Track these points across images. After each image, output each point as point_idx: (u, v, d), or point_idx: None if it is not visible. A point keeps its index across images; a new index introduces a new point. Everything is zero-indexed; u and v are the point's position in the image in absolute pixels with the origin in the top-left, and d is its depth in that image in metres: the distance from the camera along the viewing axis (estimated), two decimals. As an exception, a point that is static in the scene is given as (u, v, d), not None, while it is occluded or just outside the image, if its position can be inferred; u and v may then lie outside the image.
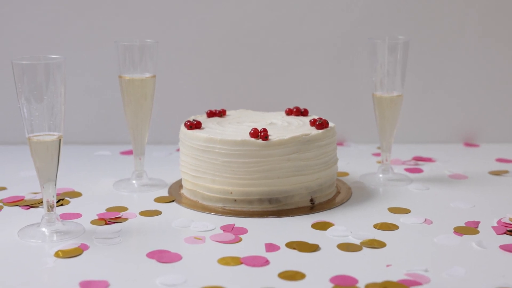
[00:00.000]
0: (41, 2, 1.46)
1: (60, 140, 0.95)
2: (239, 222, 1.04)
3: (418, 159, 1.39)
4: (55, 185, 0.97)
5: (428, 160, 1.39)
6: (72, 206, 1.11)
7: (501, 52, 1.50)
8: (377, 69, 1.20)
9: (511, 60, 1.51)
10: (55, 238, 0.96)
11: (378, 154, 1.44)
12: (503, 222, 1.01)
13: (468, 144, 1.52)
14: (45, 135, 0.94)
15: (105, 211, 1.08)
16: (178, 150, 1.35)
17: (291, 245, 0.95)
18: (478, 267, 0.87)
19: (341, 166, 1.31)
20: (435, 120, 1.53)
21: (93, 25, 1.47)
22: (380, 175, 1.24)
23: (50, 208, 0.97)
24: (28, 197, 1.14)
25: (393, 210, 1.08)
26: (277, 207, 1.09)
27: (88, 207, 1.09)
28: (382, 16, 1.49)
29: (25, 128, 0.94)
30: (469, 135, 1.54)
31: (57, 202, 1.11)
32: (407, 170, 1.32)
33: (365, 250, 0.93)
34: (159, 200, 1.14)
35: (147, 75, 1.18)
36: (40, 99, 0.92)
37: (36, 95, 0.92)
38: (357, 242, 0.95)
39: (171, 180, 1.24)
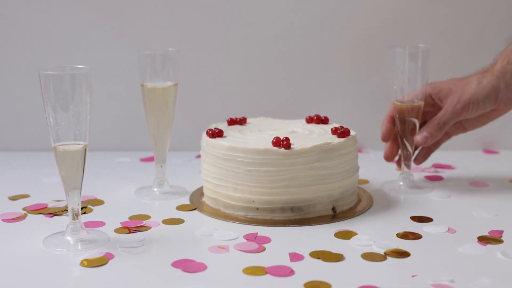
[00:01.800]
0: (65, 12, 1.47)
1: (85, 149, 0.96)
2: (261, 230, 1.04)
3: (437, 166, 1.39)
4: (80, 193, 0.97)
5: (448, 167, 1.38)
6: (95, 214, 1.12)
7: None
8: (398, 77, 1.20)
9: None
10: (80, 247, 0.97)
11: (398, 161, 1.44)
12: (527, 232, 1.01)
13: (487, 151, 1.52)
14: (71, 144, 0.95)
15: (128, 219, 1.08)
16: (198, 156, 1.36)
17: (315, 254, 0.95)
18: (504, 277, 0.87)
19: (361, 174, 1.31)
20: (454, 127, 1.53)
21: (116, 34, 1.48)
22: (401, 183, 1.24)
23: (75, 216, 0.98)
24: (51, 204, 1.15)
25: (416, 219, 1.08)
26: (299, 215, 1.09)
27: (111, 215, 1.10)
28: (403, 23, 1.49)
29: (51, 137, 0.95)
30: (488, 141, 1.53)
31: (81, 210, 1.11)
32: (427, 177, 1.32)
33: (390, 259, 0.93)
34: (181, 208, 1.15)
35: (169, 83, 1.18)
36: (66, 108, 0.93)
37: (62, 105, 0.93)
38: (381, 251, 0.95)
39: (192, 187, 1.25)
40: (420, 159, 1.25)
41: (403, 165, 1.24)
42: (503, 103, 1.17)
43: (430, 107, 1.22)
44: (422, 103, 1.20)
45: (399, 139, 1.23)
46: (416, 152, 1.25)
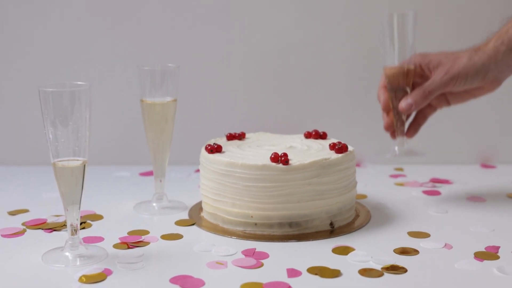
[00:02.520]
0: (66, 28, 1.48)
1: (84, 165, 0.97)
2: (260, 246, 1.05)
3: (435, 180, 1.40)
4: (79, 208, 0.98)
5: (446, 182, 1.39)
6: (94, 229, 1.12)
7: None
8: (386, 42, 1.22)
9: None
10: (78, 263, 0.97)
11: (395, 176, 1.45)
12: (524, 248, 1.01)
13: (485, 166, 1.53)
14: (70, 160, 0.96)
15: (126, 235, 1.09)
16: (197, 171, 1.37)
17: (313, 270, 0.95)
18: (500, 294, 0.88)
19: (359, 188, 1.32)
20: (451, 141, 1.54)
21: (116, 50, 1.49)
22: (396, 148, 1.25)
23: (74, 231, 0.98)
24: (50, 220, 1.15)
25: (413, 234, 1.09)
26: (297, 231, 1.09)
27: (110, 230, 1.11)
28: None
29: (50, 153, 0.95)
30: (485, 156, 1.54)
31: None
32: (425, 192, 1.32)
33: (387, 275, 0.94)
34: (179, 223, 1.15)
35: (168, 99, 1.19)
36: (65, 124, 0.93)
37: (61, 121, 0.93)
38: (378, 267, 0.96)
39: (191, 202, 1.25)
40: (411, 133, 1.27)
41: (397, 133, 1.25)
42: (489, 82, 1.19)
43: (419, 77, 1.23)
44: (412, 67, 1.21)
45: (391, 105, 1.24)
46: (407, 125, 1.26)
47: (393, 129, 1.27)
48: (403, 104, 1.20)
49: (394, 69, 1.21)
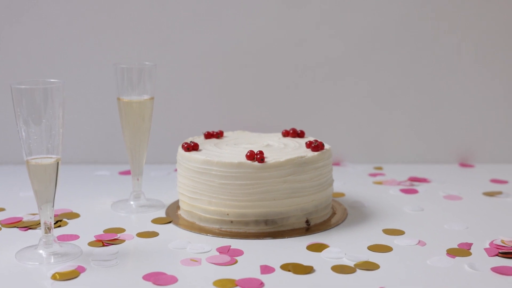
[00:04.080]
0: (40, 25, 1.48)
1: (58, 162, 0.97)
2: (235, 243, 1.05)
3: (413, 179, 1.40)
4: (53, 206, 0.98)
5: (424, 180, 1.40)
6: (70, 227, 1.12)
7: (496, 74, 1.52)
8: None
9: (506, 81, 1.52)
10: (52, 261, 0.97)
11: (374, 175, 1.45)
12: (495, 244, 1.02)
13: (464, 165, 1.54)
14: (43, 158, 0.96)
15: (102, 233, 1.09)
16: (176, 170, 1.37)
17: (286, 267, 0.96)
18: (470, 289, 0.89)
19: (337, 187, 1.32)
20: (430, 141, 1.55)
21: (92, 48, 1.49)
22: None
23: (48, 230, 0.98)
24: (26, 218, 1.15)
25: (388, 232, 1.09)
26: (273, 228, 1.10)
27: (86, 229, 1.11)
28: (380, 39, 1.50)
29: (23, 151, 0.95)
30: (464, 155, 1.55)
31: (55, 223, 1.12)
32: (402, 190, 1.33)
33: (359, 272, 0.94)
34: (156, 221, 1.15)
35: (145, 97, 1.19)
36: (38, 122, 0.93)
37: (34, 119, 0.93)
38: (351, 264, 0.96)
39: (169, 200, 1.25)
40: None
41: None
42: None
43: None
44: None
45: None
46: None
47: None
48: None
49: None
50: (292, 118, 1.51)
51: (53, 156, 0.96)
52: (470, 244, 1.03)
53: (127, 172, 1.46)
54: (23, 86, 0.93)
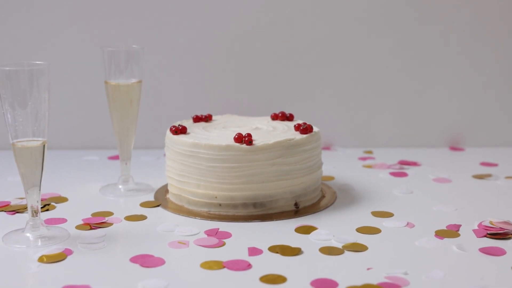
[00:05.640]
0: (27, 8, 1.47)
1: (44, 145, 0.96)
2: (223, 226, 1.05)
3: (403, 163, 1.40)
4: (40, 190, 0.97)
5: (413, 164, 1.40)
6: (58, 211, 1.12)
7: (486, 57, 1.52)
8: None
9: (496, 64, 1.52)
10: (39, 243, 0.97)
11: (364, 158, 1.45)
12: (484, 225, 1.02)
13: (454, 148, 1.54)
14: (29, 140, 0.95)
15: (90, 216, 1.09)
16: (165, 155, 1.36)
17: (274, 249, 0.95)
18: (457, 270, 0.89)
19: (327, 170, 1.32)
20: (421, 124, 1.55)
21: (79, 31, 1.48)
22: None
23: (35, 213, 0.98)
24: (14, 202, 1.14)
25: (377, 214, 1.09)
26: (261, 211, 1.09)
27: (74, 212, 1.10)
28: (370, 20, 1.50)
29: (9, 134, 0.95)
30: (454, 139, 1.55)
31: (42, 207, 1.11)
32: (392, 174, 1.33)
33: (347, 253, 0.94)
34: (144, 205, 1.15)
35: (133, 80, 1.19)
36: (24, 105, 0.93)
37: (20, 101, 0.93)
38: (339, 245, 0.96)
39: (158, 184, 1.25)
40: None
41: None
42: None
43: None
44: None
45: None
46: None
47: None
48: None
49: None
50: (281, 103, 1.51)
51: (39, 139, 0.95)
52: (459, 226, 1.03)
53: (116, 157, 1.45)
54: (7, 68, 0.92)
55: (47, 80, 0.94)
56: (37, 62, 0.94)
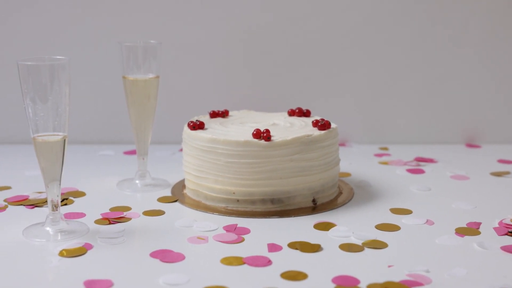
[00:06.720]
0: (46, 3, 1.47)
1: (64, 140, 0.96)
2: (241, 222, 1.04)
3: (420, 159, 1.40)
4: (60, 184, 0.97)
5: (430, 160, 1.39)
6: (76, 205, 1.12)
7: (504, 53, 1.51)
8: None
9: (513, 61, 1.51)
10: (59, 238, 0.97)
11: (380, 155, 1.45)
12: (505, 223, 1.01)
13: (470, 145, 1.53)
14: (50, 135, 0.95)
15: (108, 211, 1.09)
16: (181, 150, 1.36)
17: (293, 245, 0.95)
18: (479, 268, 0.88)
19: (344, 167, 1.32)
20: (437, 121, 1.54)
21: (97, 26, 1.48)
22: None
23: (55, 207, 0.98)
24: (32, 196, 1.15)
25: (395, 211, 1.09)
26: (279, 207, 1.09)
27: (92, 207, 1.10)
28: (385, 15, 1.49)
29: (30, 128, 0.95)
30: (471, 136, 1.54)
31: (61, 201, 1.11)
32: (409, 170, 1.32)
33: (367, 250, 0.94)
34: (162, 200, 1.15)
35: (151, 75, 1.18)
36: (45, 100, 0.93)
37: (41, 96, 0.93)
38: (359, 242, 0.96)
39: (174, 180, 1.25)
40: None
41: None
42: None
43: None
44: None
45: None
46: None
47: None
48: None
49: None
50: (296, 99, 1.50)
51: (60, 133, 0.95)
52: (479, 223, 1.02)
53: (131, 152, 1.45)
54: (29, 63, 0.92)
55: (68, 74, 0.94)
56: (58, 57, 0.94)
